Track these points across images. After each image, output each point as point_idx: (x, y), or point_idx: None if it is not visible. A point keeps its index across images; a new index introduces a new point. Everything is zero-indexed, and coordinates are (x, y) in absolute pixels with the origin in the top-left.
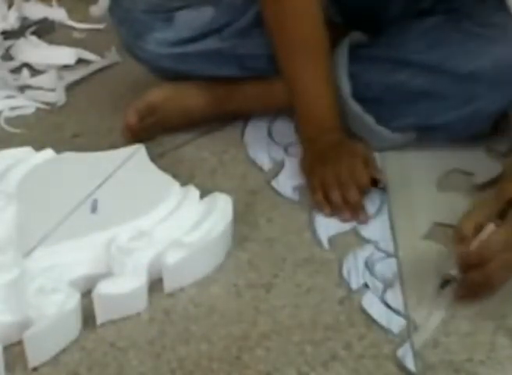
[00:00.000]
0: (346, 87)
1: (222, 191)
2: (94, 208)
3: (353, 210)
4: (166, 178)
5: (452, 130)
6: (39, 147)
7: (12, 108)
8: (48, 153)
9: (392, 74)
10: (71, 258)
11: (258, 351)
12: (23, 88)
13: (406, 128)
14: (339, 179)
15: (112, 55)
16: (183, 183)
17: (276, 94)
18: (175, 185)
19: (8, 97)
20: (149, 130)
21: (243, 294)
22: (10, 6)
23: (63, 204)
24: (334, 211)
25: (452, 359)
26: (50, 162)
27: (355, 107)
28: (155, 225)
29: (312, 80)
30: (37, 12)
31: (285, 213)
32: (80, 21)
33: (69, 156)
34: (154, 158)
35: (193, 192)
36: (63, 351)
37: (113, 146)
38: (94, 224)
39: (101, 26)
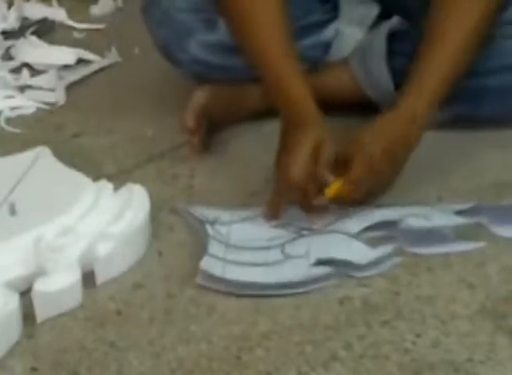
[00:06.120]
0: (386, 79)
1: (222, 191)
2: (12, 212)
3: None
4: (77, 175)
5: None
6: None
7: (12, 108)
8: None
9: None
10: (1, 261)
11: (258, 351)
12: (23, 88)
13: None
14: (287, 173)
15: (112, 55)
16: (184, 183)
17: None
18: (87, 181)
19: (8, 97)
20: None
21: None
22: (10, 6)
23: None
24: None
25: (452, 359)
26: None
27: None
28: (77, 220)
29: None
30: (37, 12)
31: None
32: (80, 21)
33: None
34: (155, 158)
35: (107, 185)
36: (63, 351)
37: (114, 146)
38: (16, 226)
39: (101, 26)
